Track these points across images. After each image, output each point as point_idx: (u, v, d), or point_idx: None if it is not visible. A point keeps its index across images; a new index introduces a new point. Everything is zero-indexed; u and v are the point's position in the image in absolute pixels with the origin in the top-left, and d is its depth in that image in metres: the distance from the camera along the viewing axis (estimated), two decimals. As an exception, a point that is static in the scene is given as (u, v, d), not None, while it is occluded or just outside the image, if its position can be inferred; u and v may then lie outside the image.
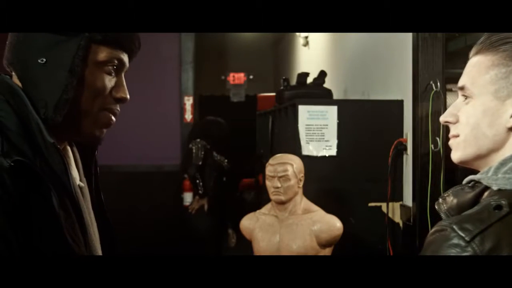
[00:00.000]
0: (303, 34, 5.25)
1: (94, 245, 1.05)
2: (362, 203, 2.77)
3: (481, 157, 0.97)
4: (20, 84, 0.98)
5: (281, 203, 2.35)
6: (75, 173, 1.07)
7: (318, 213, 2.34)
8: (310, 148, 2.74)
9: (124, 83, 1.05)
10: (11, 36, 1.01)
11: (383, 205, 2.76)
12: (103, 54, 1.00)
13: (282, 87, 3.31)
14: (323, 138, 2.75)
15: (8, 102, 0.94)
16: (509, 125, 0.94)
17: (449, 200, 0.98)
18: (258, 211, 2.51)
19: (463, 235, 0.83)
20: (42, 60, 0.96)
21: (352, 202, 2.77)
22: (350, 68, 3.81)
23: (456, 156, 1.01)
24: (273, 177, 2.33)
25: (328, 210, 2.36)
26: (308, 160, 2.61)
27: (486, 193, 0.92)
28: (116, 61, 1.02)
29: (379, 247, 2.75)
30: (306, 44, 5.28)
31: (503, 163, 0.93)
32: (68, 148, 1.08)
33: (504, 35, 0.96)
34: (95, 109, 1.01)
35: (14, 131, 0.92)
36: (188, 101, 5.06)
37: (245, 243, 2.55)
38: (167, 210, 4.61)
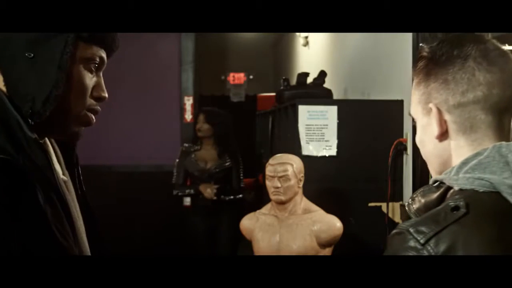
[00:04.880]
0: (303, 34, 5.26)
1: (82, 238, 1.04)
2: (362, 203, 2.77)
3: (445, 168, 0.98)
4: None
5: (281, 203, 2.35)
6: (57, 167, 1.05)
7: (318, 213, 2.34)
8: (310, 148, 2.74)
9: (103, 82, 1.05)
10: None
11: (383, 205, 2.76)
12: (88, 51, 0.99)
13: (282, 87, 3.31)
14: (323, 138, 2.75)
15: None
16: (435, 134, 0.95)
17: (417, 200, 0.99)
18: (258, 211, 2.51)
19: (418, 237, 0.84)
20: (30, 55, 0.94)
21: (352, 202, 2.77)
22: (350, 68, 3.81)
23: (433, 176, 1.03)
24: (273, 177, 2.33)
25: (328, 210, 2.36)
26: (308, 160, 2.61)
27: (449, 193, 0.92)
28: (98, 59, 1.02)
29: (379, 247, 2.75)
30: (306, 44, 5.28)
31: (465, 162, 0.93)
32: (48, 142, 1.06)
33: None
34: (78, 108, 1.00)
35: None
36: (188, 101, 5.06)
37: (245, 243, 2.55)
38: (167, 210, 4.60)
